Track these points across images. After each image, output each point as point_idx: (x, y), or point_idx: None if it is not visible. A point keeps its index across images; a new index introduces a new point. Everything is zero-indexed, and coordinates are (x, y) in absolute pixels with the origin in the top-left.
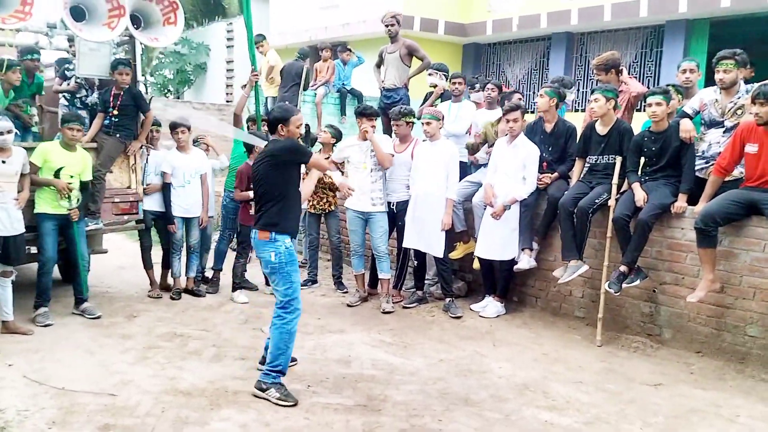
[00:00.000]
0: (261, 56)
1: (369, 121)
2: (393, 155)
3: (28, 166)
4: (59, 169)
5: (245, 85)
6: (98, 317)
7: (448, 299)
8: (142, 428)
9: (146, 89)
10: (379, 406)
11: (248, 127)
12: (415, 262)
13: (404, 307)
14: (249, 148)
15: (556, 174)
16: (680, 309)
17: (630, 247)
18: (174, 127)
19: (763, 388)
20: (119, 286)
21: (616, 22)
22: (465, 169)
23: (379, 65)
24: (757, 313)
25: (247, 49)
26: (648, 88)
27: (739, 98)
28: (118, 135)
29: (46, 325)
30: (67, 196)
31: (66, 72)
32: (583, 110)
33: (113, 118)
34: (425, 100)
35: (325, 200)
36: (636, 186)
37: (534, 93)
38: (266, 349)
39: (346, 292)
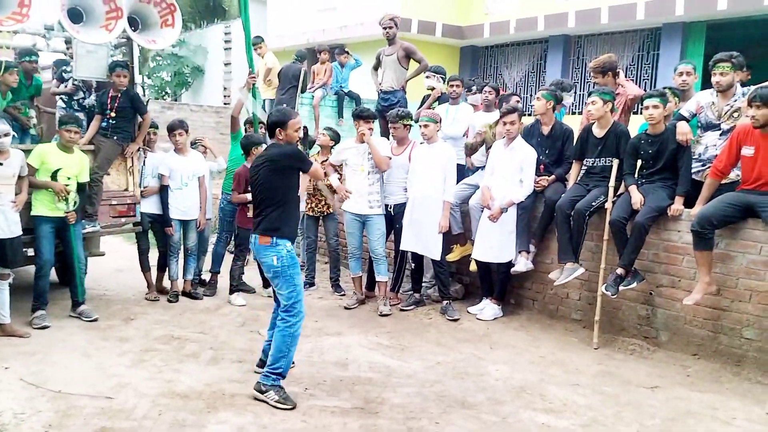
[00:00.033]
0: (259, 58)
1: (366, 124)
2: (390, 158)
3: (26, 169)
4: (56, 171)
5: (243, 88)
6: (95, 320)
7: (445, 302)
8: (139, 431)
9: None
10: (377, 408)
11: (245, 130)
12: (413, 265)
13: (401, 310)
14: (247, 151)
15: (553, 177)
16: (677, 311)
17: (627, 250)
18: (172, 129)
19: (759, 390)
20: (116, 289)
21: (613, 25)
22: (462, 172)
23: (376, 68)
24: (754, 316)
25: (244, 52)
26: (645, 90)
27: (735, 101)
28: (115, 137)
29: (42, 327)
30: (64, 198)
31: (63, 74)
32: (581, 113)
33: (110, 121)
34: (422, 102)
35: (323, 203)
36: (633, 189)
37: (531, 96)
38: (264, 351)
39: (344, 295)
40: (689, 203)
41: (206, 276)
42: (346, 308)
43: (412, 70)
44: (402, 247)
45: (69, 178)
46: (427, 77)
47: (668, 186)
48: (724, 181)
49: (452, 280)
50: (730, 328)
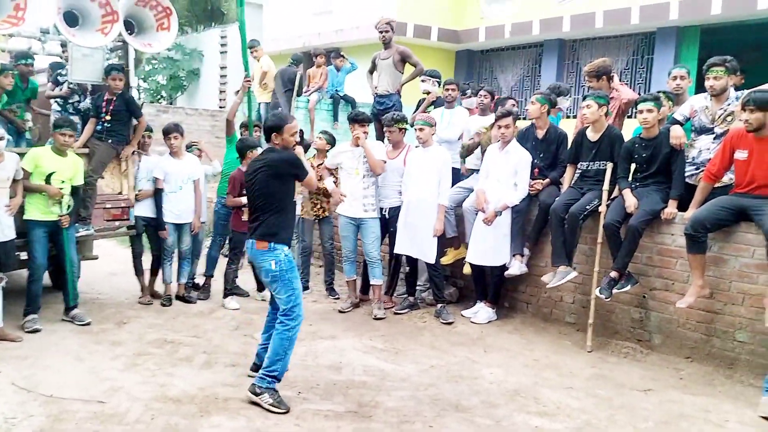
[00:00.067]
0: (254, 62)
1: (361, 128)
2: (385, 161)
3: (21, 172)
4: (50, 175)
5: (238, 91)
6: (88, 324)
7: (439, 305)
8: None
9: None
10: (370, 412)
11: (241, 134)
12: (407, 268)
13: (396, 313)
14: (242, 154)
15: (547, 180)
16: (670, 314)
17: (620, 253)
18: (167, 132)
19: (751, 393)
20: (110, 293)
21: (607, 29)
22: (457, 176)
23: (371, 71)
24: (746, 319)
25: (240, 55)
26: (639, 94)
27: (729, 105)
28: (110, 140)
29: (33, 331)
30: (58, 201)
31: (59, 77)
32: (575, 117)
33: (105, 124)
34: (418, 106)
35: (319, 206)
36: (627, 192)
37: (526, 99)
38: (258, 355)
39: (338, 298)
40: (683, 207)
41: (200, 280)
42: (340, 312)
43: (408, 74)
44: (396, 251)
45: (63, 182)
46: (422, 81)
47: (662, 189)
48: (717, 185)
49: (446, 283)
50: (722, 331)
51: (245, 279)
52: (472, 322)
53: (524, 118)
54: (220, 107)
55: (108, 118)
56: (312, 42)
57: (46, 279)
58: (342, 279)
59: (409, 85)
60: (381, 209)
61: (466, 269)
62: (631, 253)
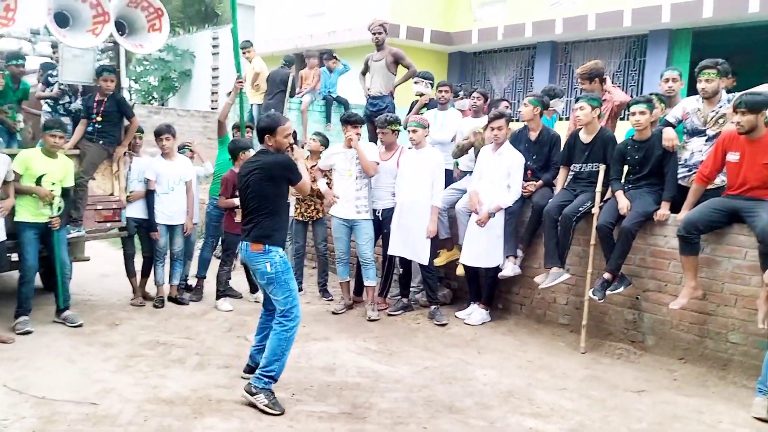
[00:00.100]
0: (246, 63)
1: (354, 129)
2: (378, 163)
3: (12, 174)
4: (41, 177)
5: (230, 93)
6: (80, 325)
7: (433, 307)
8: None
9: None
10: (364, 413)
11: (233, 135)
12: (401, 270)
13: (389, 315)
14: (234, 156)
15: (540, 182)
16: (663, 316)
17: (613, 255)
18: (159, 133)
19: (744, 394)
20: (101, 294)
21: (600, 32)
22: (449, 178)
23: (364, 72)
24: (739, 320)
25: (232, 57)
26: (631, 97)
27: (720, 107)
28: (101, 141)
29: (25, 333)
30: (48, 203)
31: (49, 78)
32: (568, 119)
33: (96, 125)
34: (411, 108)
35: (312, 208)
36: (619, 194)
37: (519, 101)
38: (251, 357)
39: (331, 300)
40: (675, 208)
41: (192, 281)
42: (333, 313)
43: (401, 76)
44: (390, 252)
45: (53, 184)
46: (415, 83)
47: (655, 191)
48: (709, 187)
49: (440, 285)
50: (716, 332)
51: (238, 280)
52: (465, 323)
53: (517, 120)
54: (212, 108)
55: (99, 119)
56: (304, 43)
57: (37, 281)
58: (335, 281)
59: (402, 87)
60: (374, 211)
61: (459, 270)
62: (624, 254)
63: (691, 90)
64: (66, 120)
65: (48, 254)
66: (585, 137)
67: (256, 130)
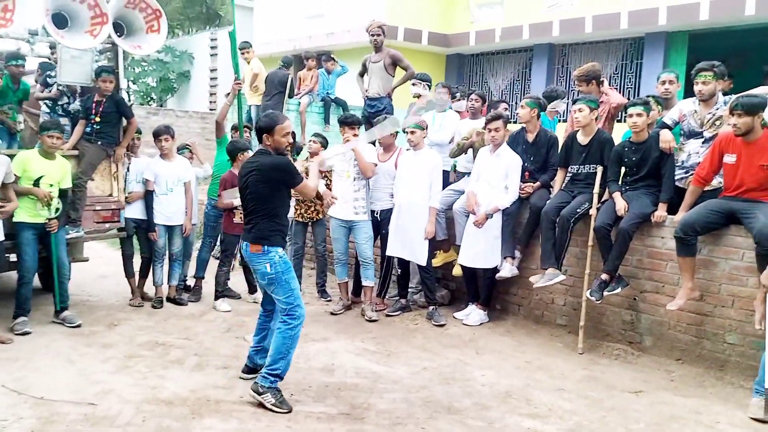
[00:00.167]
0: (245, 63)
1: (351, 130)
2: (376, 164)
3: (13, 175)
4: (39, 178)
5: (228, 94)
6: (78, 326)
7: (431, 307)
8: None
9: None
10: (363, 414)
11: (231, 136)
12: (399, 271)
13: (388, 315)
14: (233, 156)
15: (538, 183)
16: (660, 317)
17: (611, 256)
18: (157, 134)
19: (742, 395)
20: (100, 295)
21: (597, 34)
22: (448, 178)
23: (362, 74)
24: (736, 321)
25: (230, 58)
26: (628, 99)
27: (717, 109)
28: (99, 142)
29: (24, 333)
30: (47, 204)
31: (48, 79)
32: (565, 120)
33: (95, 126)
34: (409, 109)
35: (312, 209)
36: (617, 195)
37: (516, 103)
38: (249, 358)
39: (330, 301)
40: (672, 210)
41: (191, 282)
42: (332, 314)
43: (399, 78)
44: (388, 253)
45: (51, 185)
46: (413, 84)
47: (652, 193)
48: (706, 188)
49: (438, 285)
50: (713, 333)
51: (236, 281)
52: (464, 324)
53: (515, 122)
54: (211, 109)
55: (97, 119)
56: (303, 45)
57: (36, 281)
58: (334, 281)
59: (400, 89)
60: (372, 212)
61: (456, 271)
62: (622, 255)
63: (688, 92)
64: (64, 121)
65: (46, 255)
66: (582, 139)
67: (255, 129)
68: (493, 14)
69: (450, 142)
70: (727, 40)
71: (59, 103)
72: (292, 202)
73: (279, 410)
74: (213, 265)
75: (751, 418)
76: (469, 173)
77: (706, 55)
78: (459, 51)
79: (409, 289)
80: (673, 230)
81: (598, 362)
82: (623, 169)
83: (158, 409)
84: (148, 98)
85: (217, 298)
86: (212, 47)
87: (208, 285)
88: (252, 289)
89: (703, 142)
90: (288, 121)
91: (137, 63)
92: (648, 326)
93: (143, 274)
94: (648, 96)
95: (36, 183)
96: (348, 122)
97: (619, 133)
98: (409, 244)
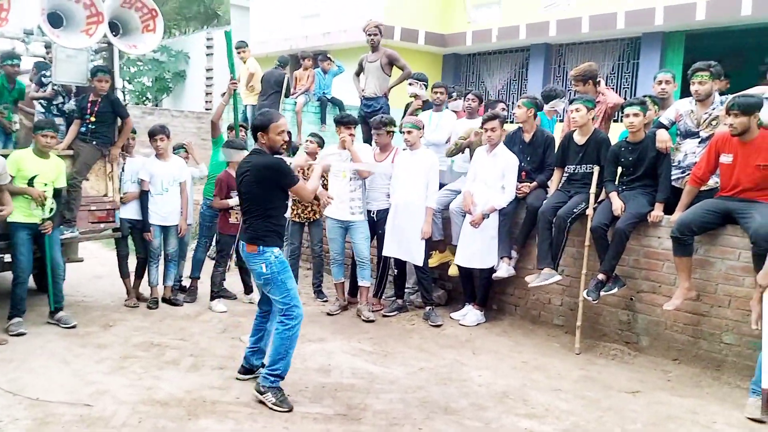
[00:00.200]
0: (241, 63)
1: (347, 130)
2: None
3: (8, 176)
4: (33, 177)
5: (224, 94)
6: (73, 326)
7: (428, 307)
8: None
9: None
10: (359, 415)
11: (227, 135)
12: (395, 271)
13: (384, 316)
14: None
15: (534, 183)
16: (657, 317)
17: (608, 256)
18: (153, 134)
19: (738, 394)
20: (95, 295)
21: (593, 34)
22: (444, 178)
23: (358, 73)
24: (733, 321)
25: (226, 58)
26: (625, 99)
27: (714, 109)
28: (94, 142)
29: (18, 334)
30: (41, 204)
31: (43, 78)
32: (561, 120)
33: (90, 125)
34: (406, 109)
35: (309, 209)
36: (613, 195)
37: (513, 103)
38: (245, 358)
39: (326, 301)
40: (669, 210)
41: (186, 282)
42: (328, 314)
43: (395, 78)
44: (384, 253)
45: (46, 184)
46: (410, 84)
47: (648, 193)
48: (703, 188)
49: (435, 286)
50: (709, 333)
51: (232, 281)
52: (460, 324)
53: (511, 122)
54: (206, 109)
55: (93, 119)
56: (299, 45)
57: (30, 282)
58: (330, 282)
59: (397, 89)
60: (369, 212)
61: (452, 271)
62: (618, 255)
63: (684, 92)
64: (59, 121)
65: (41, 255)
66: (579, 139)
67: (250, 128)
68: (489, 14)
69: (447, 142)
70: (724, 40)
71: (54, 102)
72: (290, 202)
73: (279, 409)
74: (208, 265)
75: (748, 418)
76: (465, 173)
77: (702, 55)
78: (456, 51)
79: (406, 290)
80: (669, 230)
81: (594, 362)
82: (620, 169)
83: (154, 410)
84: (144, 98)
85: (212, 298)
86: (208, 47)
87: (204, 285)
88: (248, 290)
89: (699, 142)
90: (283, 119)
91: (133, 62)
92: (645, 326)
93: (138, 275)
94: (645, 96)
95: (30, 182)
96: (344, 122)
97: (615, 133)
98: (405, 244)
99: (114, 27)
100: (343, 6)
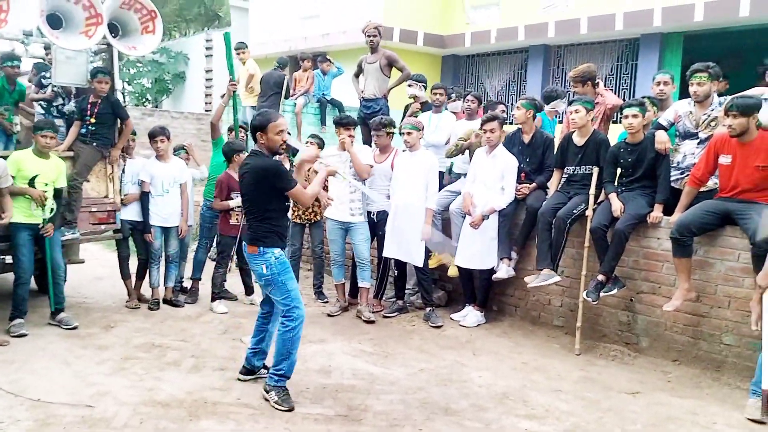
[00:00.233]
0: (240, 65)
1: (346, 131)
2: (371, 166)
3: (10, 179)
4: (33, 178)
5: (224, 95)
6: (75, 328)
7: (428, 308)
8: None
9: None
10: (360, 416)
11: (227, 137)
12: (395, 272)
13: (385, 317)
14: (228, 158)
15: (534, 184)
16: (657, 318)
17: (607, 257)
18: (153, 135)
19: (738, 395)
20: (96, 297)
21: (592, 35)
22: (442, 180)
23: (357, 75)
24: (732, 322)
25: (225, 59)
26: (623, 100)
27: (712, 110)
28: (94, 143)
29: (19, 335)
30: (41, 204)
31: (42, 80)
32: (560, 122)
33: (90, 127)
34: (405, 111)
35: (310, 210)
36: (613, 196)
37: (512, 104)
38: (247, 359)
39: (327, 302)
40: (668, 211)
41: (187, 283)
42: (329, 315)
43: (395, 79)
44: (384, 254)
45: (46, 184)
46: (409, 86)
47: (647, 194)
48: (702, 189)
49: (435, 287)
50: (709, 334)
51: (233, 283)
52: (460, 325)
53: (511, 123)
54: (206, 111)
55: (93, 121)
56: (299, 46)
57: (32, 283)
58: (331, 283)
59: (396, 90)
60: (369, 213)
61: (451, 272)
62: (618, 256)
63: (683, 93)
64: (59, 122)
65: (42, 256)
66: (578, 140)
67: (250, 129)
68: (488, 15)
69: (446, 143)
70: (722, 41)
71: (54, 104)
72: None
73: (279, 407)
74: (209, 266)
75: (748, 419)
76: (465, 174)
77: (701, 56)
78: (455, 52)
79: (406, 291)
80: (668, 231)
81: (594, 363)
82: (619, 170)
83: (155, 411)
84: (143, 99)
85: (213, 299)
86: (207, 48)
87: (205, 287)
88: (248, 291)
89: (698, 143)
90: (282, 119)
91: (132, 64)
92: (644, 327)
93: (139, 276)
94: (643, 97)
95: (31, 182)
96: (343, 123)
97: (614, 134)
98: (405, 245)
99: (113, 28)
100: (342, 7)
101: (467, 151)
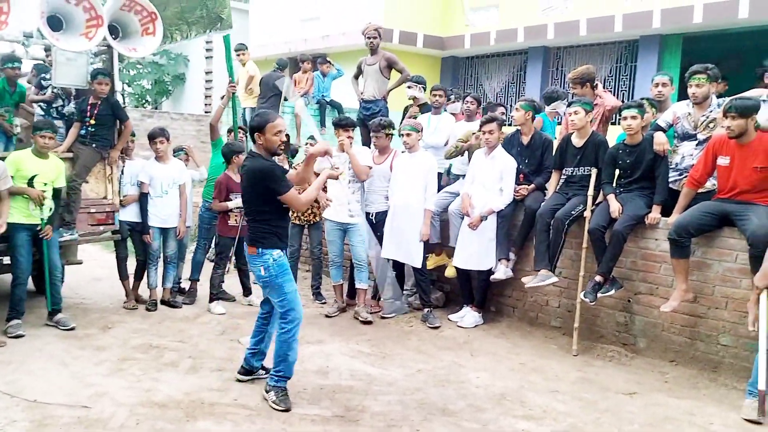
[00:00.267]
0: (240, 66)
1: (345, 133)
2: (370, 167)
3: (10, 180)
4: (32, 178)
5: (223, 96)
6: (72, 329)
7: (426, 309)
8: None
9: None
10: (357, 416)
11: (227, 138)
12: (394, 273)
13: (382, 318)
14: (228, 159)
15: (533, 185)
16: (654, 318)
17: (605, 258)
18: (153, 137)
19: (735, 396)
20: (94, 297)
21: (591, 37)
22: (440, 181)
23: (357, 76)
24: (730, 323)
25: (225, 60)
26: (622, 101)
27: (711, 112)
28: (94, 145)
29: (17, 336)
30: (39, 204)
31: (42, 81)
32: (559, 123)
33: (90, 128)
34: (405, 112)
35: (309, 211)
36: (611, 197)
37: (511, 106)
38: (245, 360)
39: (325, 303)
40: (666, 212)
41: (185, 284)
42: (327, 316)
43: (394, 81)
44: (383, 255)
45: (45, 184)
46: (408, 87)
47: (646, 195)
48: (700, 191)
49: (433, 287)
50: (706, 334)
51: (231, 284)
52: (458, 326)
53: (509, 125)
54: (206, 112)
55: (93, 122)
56: (298, 48)
57: (29, 284)
58: (329, 284)
59: (396, 92)
60: (368, 214)
61: (449, 272)
62: (616, 257)
63: (682, 95)
64: (59, 123)
65: (40, 257)
66: (577, 141)
67: (248, 129)
68: (488, 17)
69: (445, 145)
70: (721, 42)
71: (54, 105)
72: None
73: (276, 407)
74: (207, 267)
75: (745, 420)
76: (464, 175)
77: (700, 57)
78: (454, 54)
79: (404, 292)
80: (666, 232)
81: (592, 364)
82: (617, 172)
83: (152, 412)
84: (143, 101)
85: (211, 300)
86: (207, 50)
87: (203, 287)
88: (246, 292)
89: (696, 145)
90: (280, 119)
91: (132, 65)
92: (642, 328)
93: (138, 277)
94: (642, 98)
95: (30, 182)
96: (342, 124)
97: (613, 136)
98: (404, 246)
99: (113, 30)
100: (342, 9)
101: (466, 153)
